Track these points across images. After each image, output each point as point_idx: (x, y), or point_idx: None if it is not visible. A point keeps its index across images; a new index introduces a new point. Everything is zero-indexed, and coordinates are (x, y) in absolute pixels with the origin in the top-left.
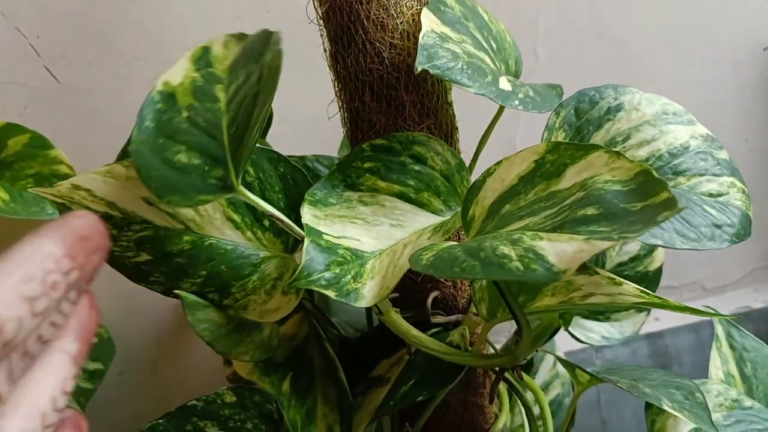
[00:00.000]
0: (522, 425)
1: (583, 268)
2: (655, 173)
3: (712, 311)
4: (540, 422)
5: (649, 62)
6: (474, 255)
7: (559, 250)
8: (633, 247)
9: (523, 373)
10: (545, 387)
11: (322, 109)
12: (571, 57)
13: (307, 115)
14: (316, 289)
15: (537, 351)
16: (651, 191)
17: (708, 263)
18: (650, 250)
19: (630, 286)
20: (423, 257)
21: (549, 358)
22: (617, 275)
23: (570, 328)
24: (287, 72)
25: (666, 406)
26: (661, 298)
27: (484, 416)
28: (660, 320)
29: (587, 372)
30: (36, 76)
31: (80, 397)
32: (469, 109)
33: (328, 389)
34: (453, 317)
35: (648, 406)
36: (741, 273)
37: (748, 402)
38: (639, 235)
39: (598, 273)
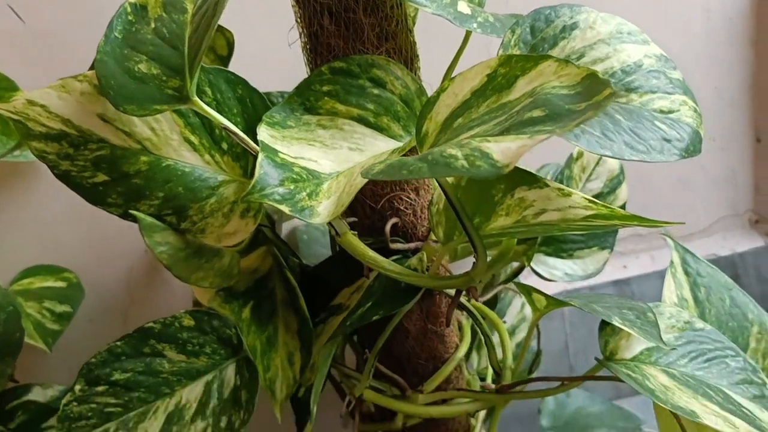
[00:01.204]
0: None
1: (534, 182)
2: (600, 75)
3: (663, 226)
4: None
5: (618, 10)
6: (422, 159)
7: (504, 147)
8: (596, 185)
9: (484, 306)
10: (512, 330)
11: (286, 47)
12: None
13: (272, 54)
14: (269, 203)
15: (505, 295)
16: (595, 91)
17: (676, 211)
18: (613, 188)
19: (578, 196)
20: (375, 167)
21: (516, 303)
22: None
23: (534, 266)
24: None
25: (616, 322)
26: (609, 207)
27: (444, 345)
28: (628, 268)
29: (544, 295)
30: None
31: (48, 337)
32: (436, 49)
33: (289, 318)
34: (412, 244)
35: (602, 327)
36: (709, 221)
37: (699, 324)
38: (576, 123)
39: (548, 185)
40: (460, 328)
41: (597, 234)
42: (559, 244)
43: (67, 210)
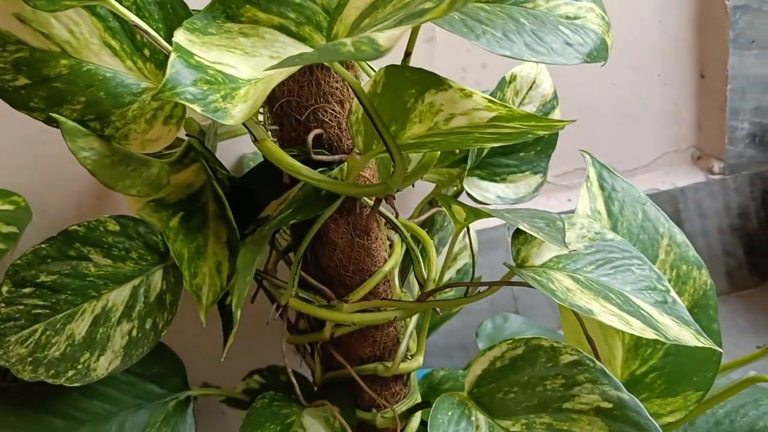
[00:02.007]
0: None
1: (440, 84)
2: None
3: (561, 127)
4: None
5: None
6: (316, 49)
7: (390, 35)
8: (529, 109)
9: (412, 223)
10: (455, 257)
11: None
12: None
13: None
14: (181, 101)
15: (448, 224)
16: None
17: (620, 147)
18: (546, 112)
19: (479, 96)
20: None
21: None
22: None
23: (468, 189)
24: None
25: (523, 227)
26: (507, 107)
27: (372, 259)
28: (572, 201)
29: (462, 206)
30: None
31: None
32: None
33: (219, 230)
34: (337, 157)
35: (514, 236)
36: (652, 157)
37: (610, 235)
38: (450, 10)
39: (452, 86)
40: (392, 245)
41: (529, 159)
42: (492, 168)
43: (15, 134)
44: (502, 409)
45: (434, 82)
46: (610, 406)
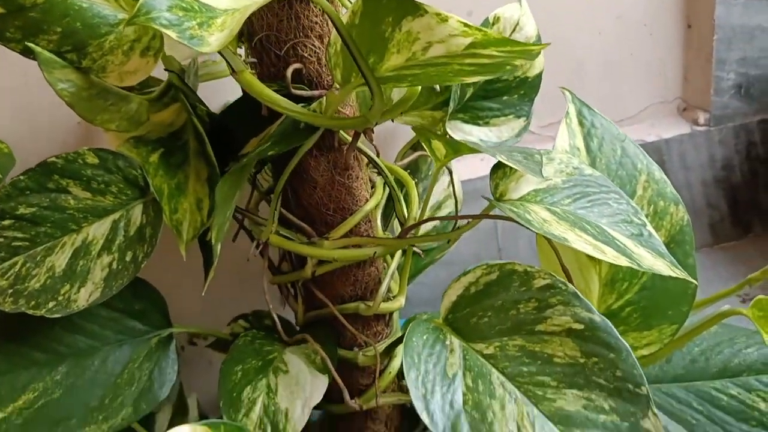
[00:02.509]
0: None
1: (416, 10)
2: None
3: (534, 52)
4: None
5: None
6: None
7: None
8: None
9: (394, 165)
10: (438, 206)
11: None
12: None
13: None
14: (155, 27)
15: (431, 168)
16: None
17: (606, 98)
18: None
19: (454, 20)
20: None
21: (443, 181)
22: (497, 80)
23: (450, 132)
24: None
25: (500, 158)
26: (482, 31)
27: (353, 198)
28: None
29: (443, 142)
30: None
31: None
32: None
33: (200, 167)
34: (317, 92)
35: (493, 171)
36: (638, 108)
37: (588, 171)
38: None
39: (427, 12)
40: (374, 187)
41: (513, 102)
42: (475, 111)
43: None
44: (476, 333)
45: (411, 8)
46: (581, 327)
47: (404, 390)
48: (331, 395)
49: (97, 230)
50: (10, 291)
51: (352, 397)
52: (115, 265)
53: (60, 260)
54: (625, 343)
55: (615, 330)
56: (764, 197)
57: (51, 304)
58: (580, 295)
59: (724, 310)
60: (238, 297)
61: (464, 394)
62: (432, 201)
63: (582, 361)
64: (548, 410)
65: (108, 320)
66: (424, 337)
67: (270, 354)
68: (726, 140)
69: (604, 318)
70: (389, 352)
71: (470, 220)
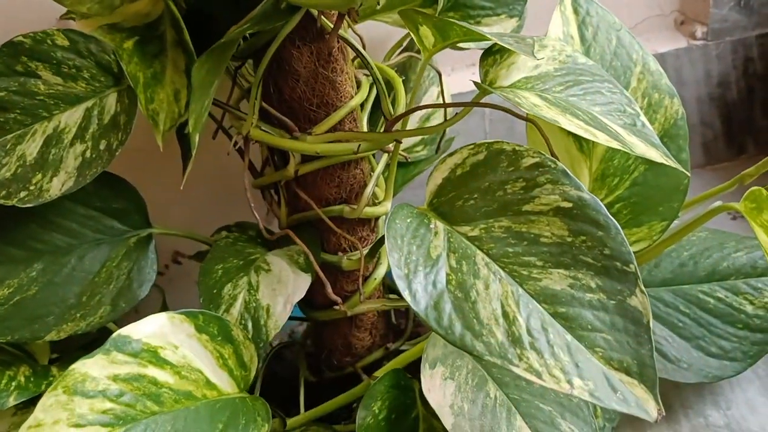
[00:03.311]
0: None
1: None
2: None
3: None
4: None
5: None
6: None
7: None
8: None
9: (382, 64)
10: (428, 117)
11: None
12: None
13: None
14: None
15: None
16: None
17: None
18: None
19: None
20: None
21: (433, 91)
22: None
23: None
24: None
25: (490, 37)
26: None
27: (337, 93)
28: None
29: (431, 28)
30: None
31: None
32: None
33: (178, 57)
34: None
35: (482, 60)
36: (634, 21)
37: (581, 59)
38: None
39: None
40: (360, 85)
41: (506, 1)
42: (466, 10)
43: None
44: (462, 215)
45: None
46: (569, 205)
47: (389, 297)
48: (316, 303)
49: (70, 118)
50: None
51: (336, 304)
52: (88, 154)
53: (31, 148)
54: (615, 221)
55: (604, 208)
56: (760, 116)
57: (23, 194)
58: (570, 173)
59: (716, 206)
60: (222, 210)
61: (448, 275)
62: (421, 113)
63: (569, 240)
64: (533, 289)
65: (85, 218)
66: (408, 221)
67: (252, 255)
68: (723, 55)
69: (594, 196)
70: (374, 255)
71: (458, 111)
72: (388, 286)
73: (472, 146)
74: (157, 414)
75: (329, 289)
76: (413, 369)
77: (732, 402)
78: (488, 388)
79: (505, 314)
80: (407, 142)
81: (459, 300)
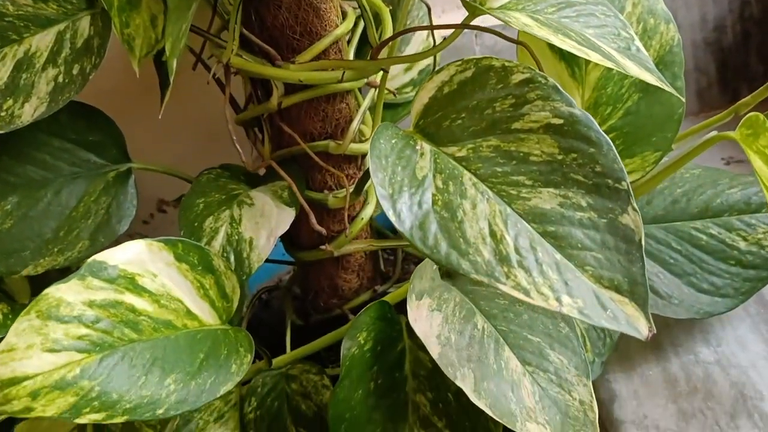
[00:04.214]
0: None
1: None
2: None
3: None
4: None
5: None
6: None
7: None
8: None
9: None
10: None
11: None
12: None
13: None
14: None
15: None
16: None
17: None
18: None
19: None
20: None
21: (420, 35)
22: None
23: None
24: None
25: None
26: None
27: (321, 22)
28: None
29: None
30: None
31: None
32: None
33: None
34: None
35: None
36: None
37: None
38: None
39: None
40: (345, 16)
41: None
42: None
43: None
44: (449, 136)
45: None
46: (560, 122)
47: (376, 237)
48: (302, 243)
49: (41, 42)
50: None
51: (323, 243)
52: (61, 79)
53: (1, 73)
54: (607, 138)
55: (596, 124)
56: (755, 61)
57: None
58: (561, 88)
59: (711, 136)
60: (206, 154)
61: (434, 195)
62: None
63: (560, 157)
64: (522, 209)
65: (60, 151)
66: (393, 141)
67: (234, 191)
68: None
69: (585, 112)
70: (360, 194)
71: (447, 35)
72: (377, 229)
73: (459, 62)
74: (135, 342)
75: (313, 220)
76: (400, 309)
77: (722, 339)
78: (476, 320)
79: (492, 233)
80: (395, 83)
81: (445, 220)
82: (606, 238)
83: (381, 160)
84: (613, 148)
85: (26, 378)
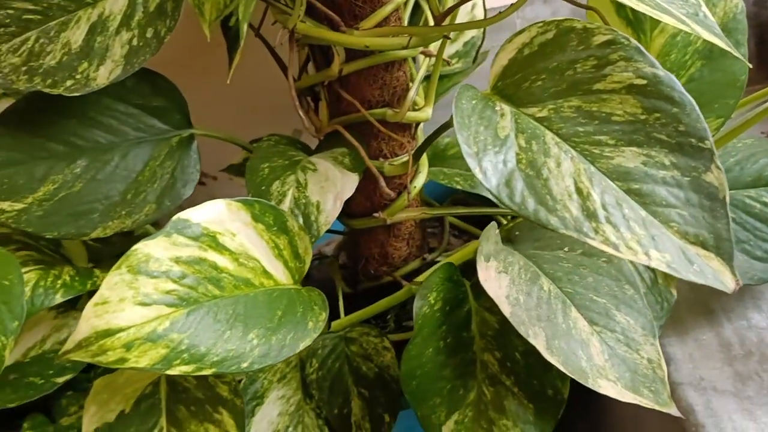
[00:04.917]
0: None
1: None
2: None
3: None
4: None
5: None
6: None
7: None
8: None
9: None
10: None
11: None
12: None
13: None
14: None
15: None
16: None
17: None
18: None
19: None
20: None
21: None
22: None
23: None
24: None
25: None
26: None
27: None
28: None
29: None
30: None
31: None
32: None
33: None
34: None
35: None
36: None
37: None
38: None
39: None
40: None
41: None
42: None
43: None
44: (528, 97)
45: None
46: (643, 82)
47: (427, 206)
48: (354, 211)
49: (114, 5)
50: (24, 69)
51: (374, 212)
52: (135, 42)
53: (76, 36)
54: (690, 98)
55: (679, 84)
56: None
57: (69, 83)
58: (643, 50)
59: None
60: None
61: (517, 154)
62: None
63: (643, 117)
64: (606, 167)
65: (125, 116)
66: (473, 102)
67: (295, 157)
68: None
69: (668, 72)
70: (418, 159)
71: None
72: (425, 201)
73: (540, 24)
74: (218, 298)
75: (383, 183)
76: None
77: None
78: (541, 282)
79: (578, 190)
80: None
81: (530, 177)
82: (690, 195)
83: (464, 119)
84: (696, 107)
85: (120, 330)
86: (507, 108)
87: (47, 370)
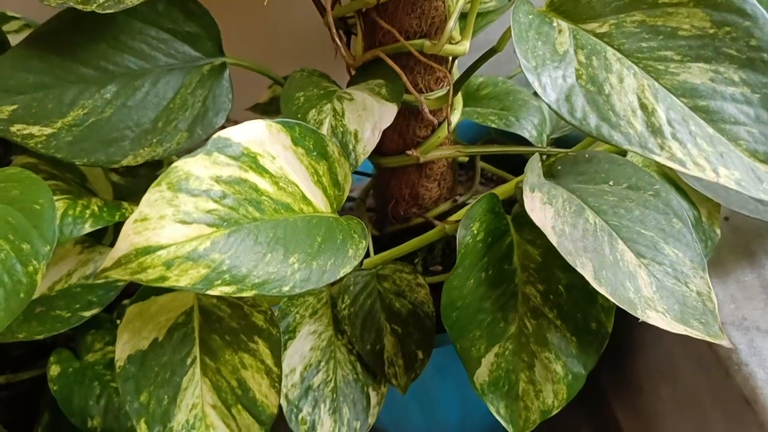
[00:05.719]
0: None
1: None
2: None
3: None
4: None
5: None
6: None
7: None
8: None
9: None
10: None
11: None
12: None
13: None
14: None
15: None
16: None
17: None
18: None
19: None
20: None
21: None
22: None
23: None
24: None
25: None
26: None
27: None
28: None
29: None
30: None
31: None
32: None
33: None
34: None
35: None
36: None
37: None
38: None
39: None
40: None
41: None
42: None
43: None
44: (587, 12)
45: None
46: None
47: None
48: (385, 149)
49: None
50: None
51: (406, 150)
52: None
53: None
54: (763, 10)
55: None
56: None
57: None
58: None
59: None
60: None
61: (577, 70)
62: None
63: (711, 31)
64: (670, 84)
65: (157, 41)
66: (530, 17)
67: (329, 87)
68: None
69: None
70: (456, 93)
71: None
72: (457, 143)
73: None
74: (258, 221)
75: (426, 109)
76: None
77: None
78: (586, 215)
79: (642, 106)
80: None
81: (591, 93)
82: (760, 113)
83: (522, 33)
84: None
85: (160, 247)
86: (565, 24)
87: (74, 303)
